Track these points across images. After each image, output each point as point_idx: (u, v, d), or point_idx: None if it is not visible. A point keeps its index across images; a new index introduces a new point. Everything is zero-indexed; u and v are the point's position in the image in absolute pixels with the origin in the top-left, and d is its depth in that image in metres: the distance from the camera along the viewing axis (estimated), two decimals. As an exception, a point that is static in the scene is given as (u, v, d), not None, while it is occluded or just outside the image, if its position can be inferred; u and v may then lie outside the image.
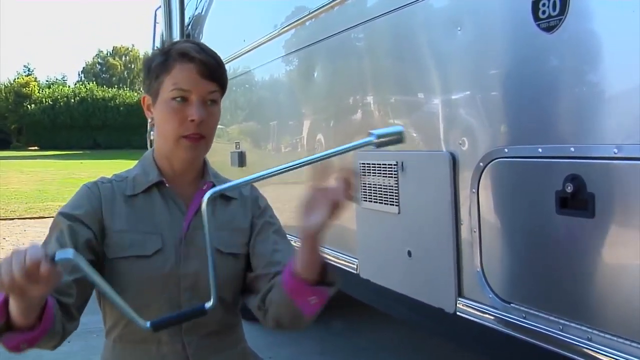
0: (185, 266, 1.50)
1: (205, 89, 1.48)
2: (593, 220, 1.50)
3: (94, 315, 1.63)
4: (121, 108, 42.17)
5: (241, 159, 4.13)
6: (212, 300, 1.32)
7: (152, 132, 7.21)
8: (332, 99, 2.90)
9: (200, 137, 1.48)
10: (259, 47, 3.72)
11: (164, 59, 1.49)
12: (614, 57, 1.48)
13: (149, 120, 1.60)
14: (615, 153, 1.43)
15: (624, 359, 1.45)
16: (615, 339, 1.48)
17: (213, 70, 1.49)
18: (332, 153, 1.22)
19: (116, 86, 54.07)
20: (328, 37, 2.80)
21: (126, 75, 73.47)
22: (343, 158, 1.57)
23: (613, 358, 1.48)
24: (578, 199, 1.52)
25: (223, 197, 1.58)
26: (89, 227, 1.48)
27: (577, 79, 1.55)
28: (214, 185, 1.54)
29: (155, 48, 1.56)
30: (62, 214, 1.49)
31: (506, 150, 1.74)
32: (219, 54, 1.53)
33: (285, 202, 2.72)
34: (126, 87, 56.25)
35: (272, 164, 3.85)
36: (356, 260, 2.60)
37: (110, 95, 43.35)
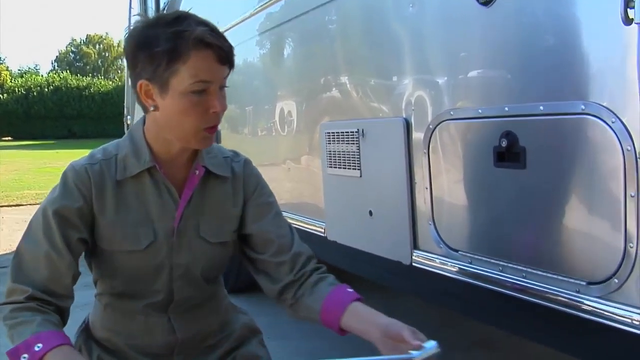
0: (178, 256, 1.50)
1: (222, 75, 1.39)
2: (525, 171, 1.69)
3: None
4: (96, 97, 41.79)
5: (216, 136, 4.29)
6: None
7: (128, 117, 7.28)
8: (294, 78, 3.08)
9: (216, 125, 1.42)
10: (232, 29, 3.88)
11: (174, 44, 1.33)
12: (539, 27, 1.67)
13: (151, 109, 1.41)
14: (541, 110, 1.63)
15: (552, 291, 1.65)
16: (545, 274, 1.67)
17: (229, 54, 1.39)
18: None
19: (90, 75, 53.60)
20: (294, 18, 2.98)
21: (100, 64, 72.80)
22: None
23: (544, 290, 1.67)
24: (512, 153, 1.71)
25: (216, 177, 1.54)
26: (80, 224, 1.43)
27: (509, 47, 1.74)
28: (206, 169, 1.51)
29: (143, 22, 1.41)
30: (51, 210, 1.41)
31: (451, 112, 1.93)
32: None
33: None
34: (101, 76, 55.77)
35: (245, 140, 3.99)
36: (323, 224, 2.79)
37: (84, 84, 42.84)
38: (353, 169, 2.45)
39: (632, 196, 1.44)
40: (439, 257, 2.05)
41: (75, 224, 1.42)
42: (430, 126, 2.01)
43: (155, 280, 1.50)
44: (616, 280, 1.50)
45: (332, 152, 2.60)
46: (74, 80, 43.23)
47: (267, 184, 1.64)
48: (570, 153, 1.59)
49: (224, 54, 1.36)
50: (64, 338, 1.33)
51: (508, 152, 1.72)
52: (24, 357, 1.27)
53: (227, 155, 1.60)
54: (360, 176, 2.41)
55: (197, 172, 1.49)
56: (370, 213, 2.37)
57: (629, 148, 1.43)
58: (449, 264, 2.00)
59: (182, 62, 1.33)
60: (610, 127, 1.47)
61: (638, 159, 1.41)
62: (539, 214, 1.69)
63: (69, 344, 1.33)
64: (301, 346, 3.38)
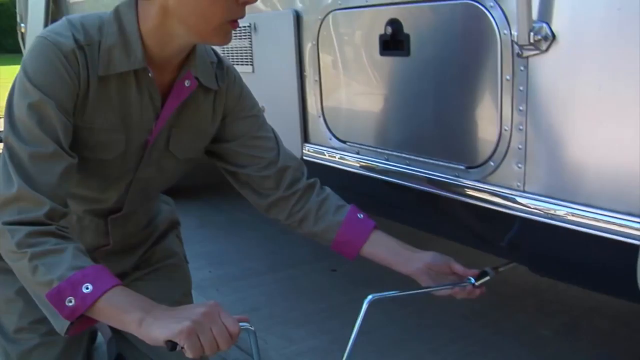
0: (143, 170, 1.38)
1: None
2: (409, 58, 1.70)
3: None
4: (-11, 8, 39.40)
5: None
6: None
7: (22, 25, 6.87)
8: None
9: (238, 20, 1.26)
10: None
11: None
12: None
13: None
14: (424, -5, 1.64)
15: (434, 176, 1.70)
16: (428, 160, 1.72)
17: None
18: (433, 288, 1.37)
19: (-19, -16, 50.18)
20: None
21: (-7, -27, 68.27)
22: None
23: (426, 175, 1.72)
24: (396, 41, 1.72)
25: (204, 89, 1.38)
26: (72, 118, 1.22)
27: None
28: (198, 81, 1.33)
29: None
30: (49, 104, 1.16)
31: (339, 2, 1.91)
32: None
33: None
34: (-7, -14, 52.31)
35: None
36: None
37: (-26, -7, 40.29)
38: (246, 64, 2.41)
39: (507, 80, 1.47)
40: (328, 149, 2.07)
41: (70, 120, 1.21)
42: (319, 17, 1.98)
43: (109, 190, 1.38)
44: (492, 163, 1.55)
45: (225, 49, 2.54)
46: (-37, -10, 40.40)
47: (249, 91, 1.50)
48: (451, 39, 1.60)
49: None
50: (113, 277, 1.11)
51: (393, 40, 1.72)
52: (70, 301, 1.05)
53: (213, 61, 1.42)
54: (253, 72, 2.38)
55: (188, 83, 1.31)
56: (264, 109, 2.35)
57: (506, 32, 1.45)
58: (338, 156, 2.03)
59: None
60: (489, 11, 1.48)
61: (514, 44, 1.44)
62: (422, 102, 1.72)
63: (121, 283, 1.11)
64: (202, 250, 3.40)
